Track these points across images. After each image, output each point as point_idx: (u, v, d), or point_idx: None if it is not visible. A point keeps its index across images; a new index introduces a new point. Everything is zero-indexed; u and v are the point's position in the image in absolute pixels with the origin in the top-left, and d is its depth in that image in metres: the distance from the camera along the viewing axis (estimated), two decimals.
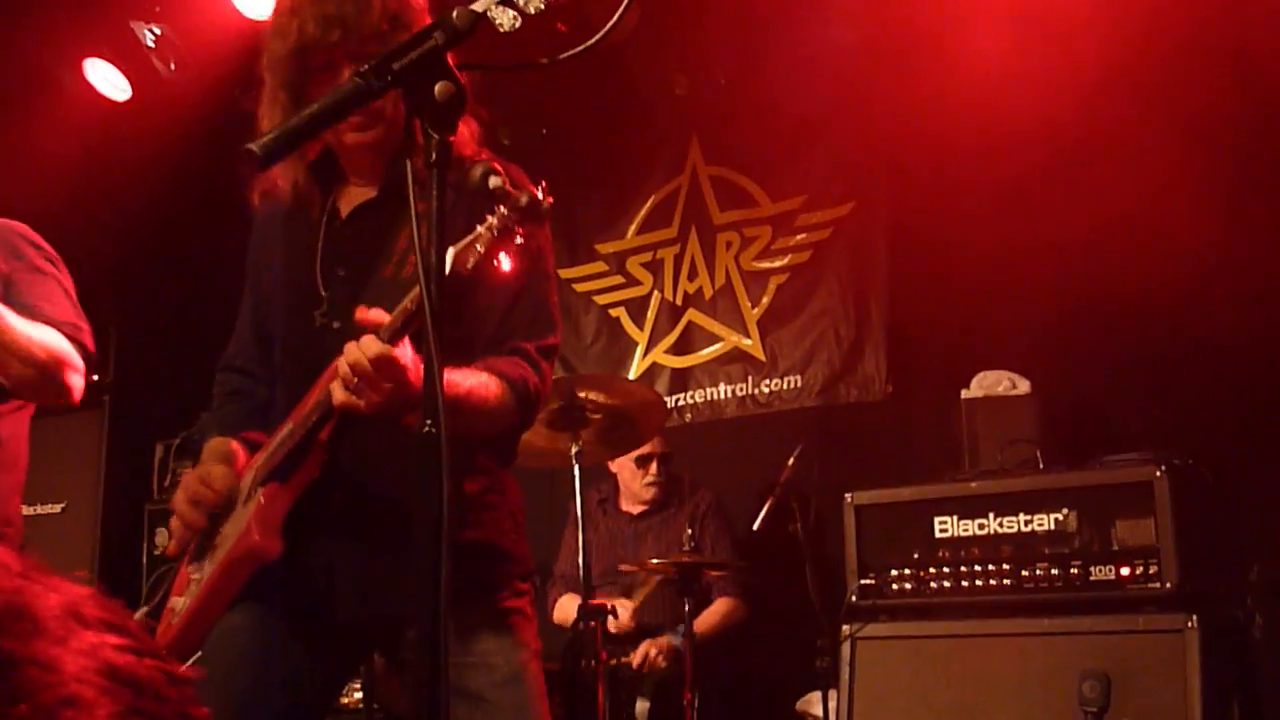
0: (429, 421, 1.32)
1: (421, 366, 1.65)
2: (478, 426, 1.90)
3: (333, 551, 1.99)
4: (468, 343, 1.91)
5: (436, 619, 1.28)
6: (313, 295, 2.04)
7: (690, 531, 4.16)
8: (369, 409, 1.73)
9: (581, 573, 3.85)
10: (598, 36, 1.47)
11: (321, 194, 2.11)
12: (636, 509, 4.77)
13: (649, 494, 4.70)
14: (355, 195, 2.10)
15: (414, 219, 1.39)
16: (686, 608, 3.97)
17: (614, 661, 4.07)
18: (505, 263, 1.64)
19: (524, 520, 2.12)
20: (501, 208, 1.60)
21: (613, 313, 5.58)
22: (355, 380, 1.71)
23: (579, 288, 5.62)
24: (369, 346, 1.69)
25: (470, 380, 1.85)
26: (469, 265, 1.64)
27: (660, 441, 4.69)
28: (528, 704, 1.98)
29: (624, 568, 4.45)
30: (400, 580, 1.90)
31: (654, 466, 4.70)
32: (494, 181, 1.53)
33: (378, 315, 1.73)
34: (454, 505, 1.32)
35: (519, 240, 1.63)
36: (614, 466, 4.80)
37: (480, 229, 1.65)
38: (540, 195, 1.58)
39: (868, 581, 3.73)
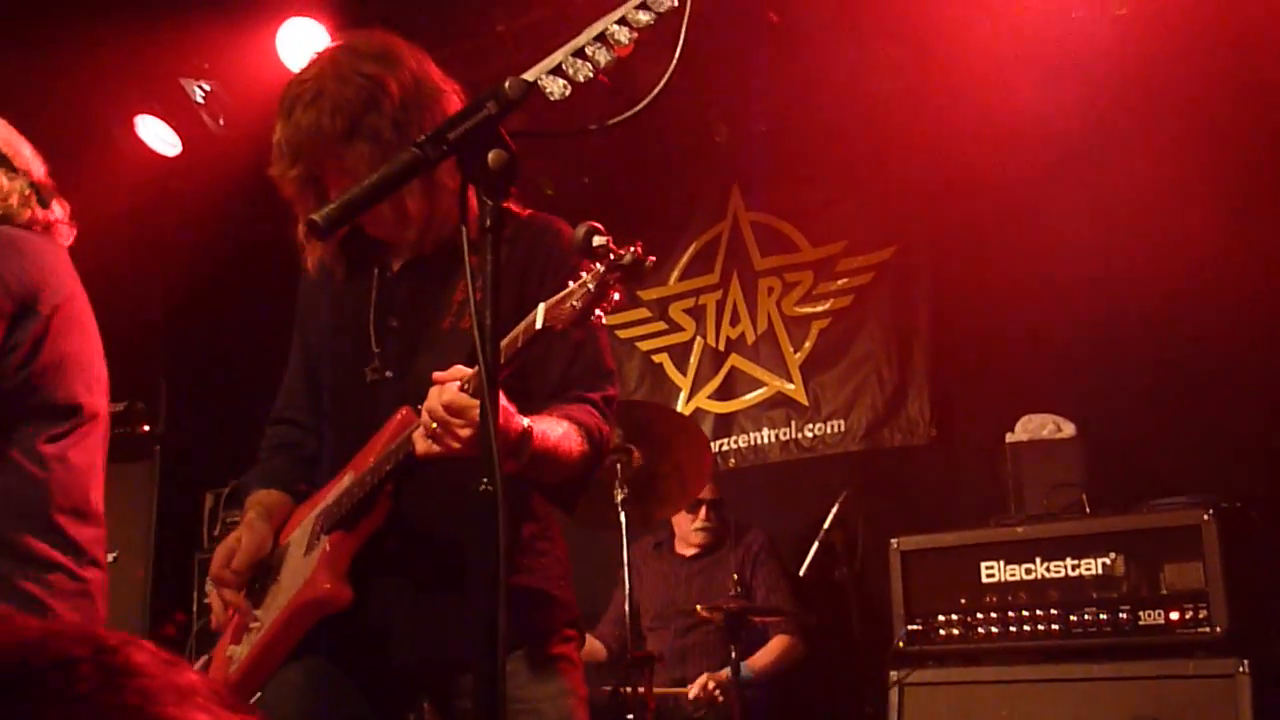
0: (485, 480, 1.35)
1: (515, 413, 1.72)
2: (555, 477, 1.91)
3: (387, 597, 2.00)
4: (527, 392, 1.92)
5: (494, 667, 1.32)
6: (364, 346, 2.06)
7: (736, 576, 4.21)
8: (451, 455, 1.75)
9: (628, 619, 3.90)
10: (645, 102, 1.47)
11: (371, 252, 2.13)
12: (689, 551, 4.77)
13: (699, 538, 4.72)
14: (407, 251, 2.13)
15: (469, 279, 1.42)
16: (734, 654, 4.00)
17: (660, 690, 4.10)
18: (603, 319, 1.67)
19: (570, 567, 2.13)
20: (599, 265, 1.61)
21: (655, 359, 5.61)
22: (435, 428, 1.73)
23: (622, 334, 5.66)
24: (446, 393, 1.72)
25: (558, 431, 1.87)
26: (563, 321, 1.66)
27: (711, 488, 4.70)
28: None
29: (690, 611, 4.35)
30: (453, 624, 1.93)
31: (704, 512, 4.70)
32: (598, 241, 1.54)
33: (457, 371, 1.76)
34: (510, 549, 1.41)
35: (616, 298, 1.65)
36: (676, 522, 4.82)
37: (574, 285, 1.66)
38: (641, 254, 1.59)
39: (914, 627, 3.74)
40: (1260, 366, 4.12)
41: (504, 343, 1.64)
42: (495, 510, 1.34)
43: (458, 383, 1.73)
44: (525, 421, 1.77)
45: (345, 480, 2.01)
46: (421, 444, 1.77)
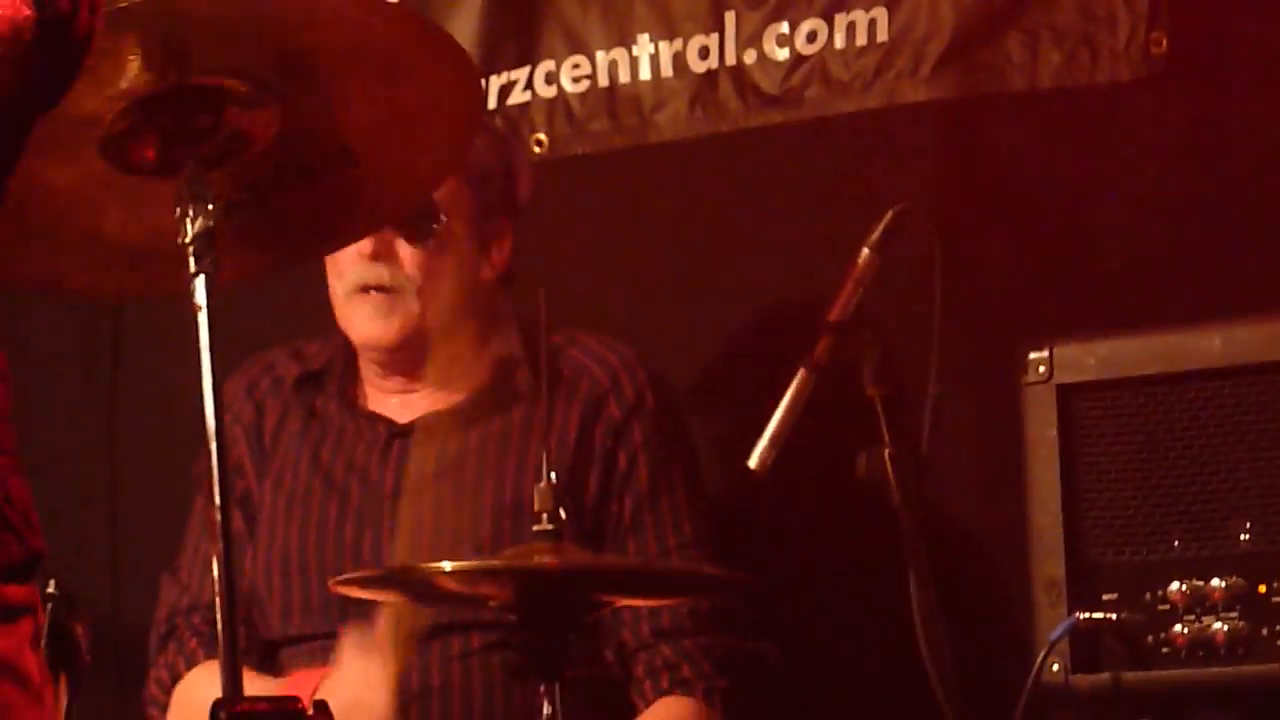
0: None
1: None
2: None
3: None
4: None
5: None
6: None
7: (554, 476, 4.02)
8: None
9: (219, 601, 3.49)
10: None
11: None
12: (412, 408, 4.97)
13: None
14: None
15: None
16: (546, 711, 3.85)
17: None
18: None
19: (8, 412, 2.33)
20: None
21: None
22: None
23: None
24: None
25: None
26: None
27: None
28: None
29: (337, 585, 4.32)
30: None
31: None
32: None
33: None
34: None
35: None
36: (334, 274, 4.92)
37: None
38: None
39: (1096, 615, 3.92)
40: None
41: None
42: None
43: None
44: None
45: None
46: None
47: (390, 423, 4.90)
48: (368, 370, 5.01)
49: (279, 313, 4.63)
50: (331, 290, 4.94)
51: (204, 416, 3.60)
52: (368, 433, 4.94)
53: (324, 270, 4.71)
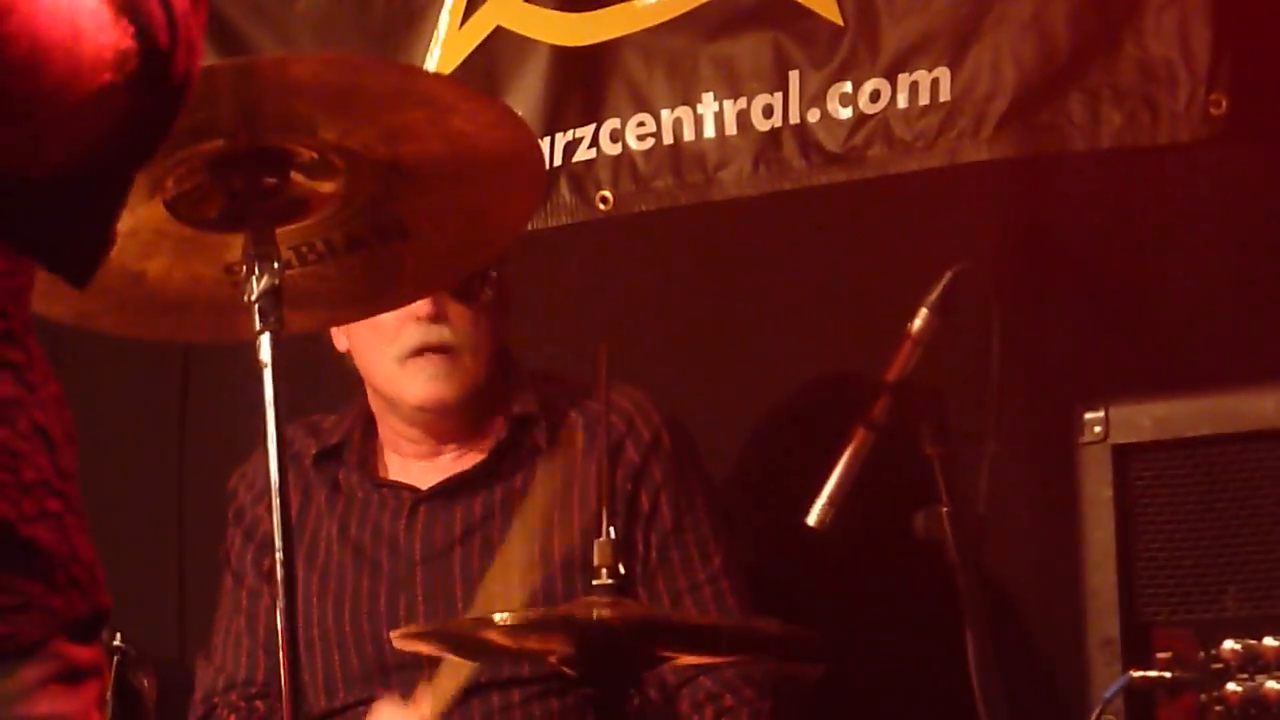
0: None
1: None
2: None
3: None
4: None
5: None
6: None
7: (607, 525, 4.03)
8: None
9: (285, 665, 3.62)
10: None
11: None
12: (434, 472, 4.95)
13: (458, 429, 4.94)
14: None
15: None
16: None
17: None
18: None
19: (76, 470, 2.25)
20: None
21: None
22: None
23: None
24: None
25: None
26: None
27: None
28: None
29: (399, 639, 4.38)
30: None
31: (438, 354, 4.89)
32: None
33: None
34: None
35: None
36: (361, 355, 4.98)
37: None
38: None
39: (1150, 674, 3.89)
40: None
41: None
42: None
43: None
44: None
45: None
46: None
47: (413, 489, 4.96)
48: (391, 437, 5.07)
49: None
50: (373, 355, 5.00)
51: (268, 471, 3.70)
52: (392, 501, 4.99)
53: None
